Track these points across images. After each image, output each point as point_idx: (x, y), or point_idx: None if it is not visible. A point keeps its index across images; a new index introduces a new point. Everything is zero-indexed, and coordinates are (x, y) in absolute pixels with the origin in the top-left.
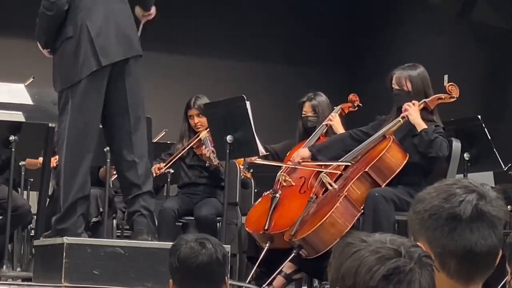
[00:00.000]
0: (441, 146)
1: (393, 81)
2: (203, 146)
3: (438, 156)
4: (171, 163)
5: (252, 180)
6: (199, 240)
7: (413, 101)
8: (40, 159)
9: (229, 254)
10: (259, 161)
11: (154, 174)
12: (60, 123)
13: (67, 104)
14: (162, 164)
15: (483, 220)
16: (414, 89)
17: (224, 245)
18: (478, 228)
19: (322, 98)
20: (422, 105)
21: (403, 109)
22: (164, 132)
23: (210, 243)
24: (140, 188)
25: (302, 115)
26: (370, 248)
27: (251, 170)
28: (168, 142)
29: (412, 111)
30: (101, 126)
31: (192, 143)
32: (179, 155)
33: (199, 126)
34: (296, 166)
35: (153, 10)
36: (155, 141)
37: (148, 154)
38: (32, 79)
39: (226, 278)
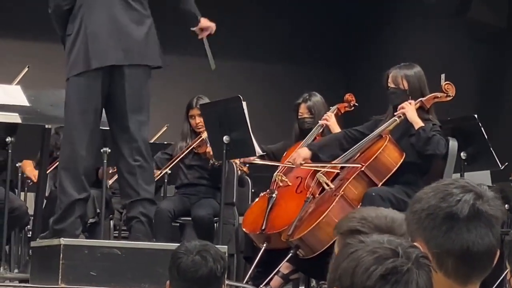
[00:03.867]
0: (439, 143)
1: (389, 80)
2: (207, 145)
3: (436, 153)
4: (174, 163)
5: (248, 176)
6: (201, 253)
7: (410, 100)
8: (36, 173)
9: (227, 255)
10: (258, 161)
11: (156, 177)
12: None
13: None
14: (157, 172)
15: (480, 220)
16: (410, 88)
17: (221, 246)
18: (476, 228)
19: (317, 98)
20: (418, 104)
21: (399, 107)
22: (165, 127)
23: (211, 256)
24: (138, 194)
25: (299, 117)
26: (367, 248)
27: (247, 165)
28: (165, 142)
29: (409, 109)
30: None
31: (194, 144)
32: (183, 155)
33: (200, 126)
34: (292, 166)
35: (205, 22)
36: (153, 140)
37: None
38: (27, 69)
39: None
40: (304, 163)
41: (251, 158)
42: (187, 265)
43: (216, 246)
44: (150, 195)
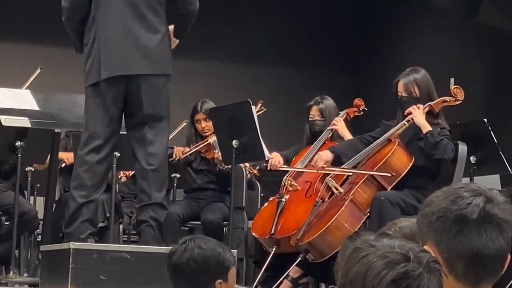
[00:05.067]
0: (446, 148)
1: (400, 89)
2: (216, 150)
3: (443, 158)
4: (187, 154)
5: (258, 180)
6: (186, 239)
7: (418, 105)
8: (69, 155)
9: (236, 259)
10: (284, 167)
11: (178, 158)
12: None
13: None
14: (187, 149)
15: (491, 223)
16: (421, 93)
17: (231, 250)
18: (486, 231)
19: (329, 101)
20: (427, 108)
21: (406, 112)
22: (185, 123)
23: (193, 243)
24: (150, 198)
25: (309, 119)
26: (378, 252)
27: (257, 167)
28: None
29: (417, 114)
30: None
31: (200, 147)
32: (186, 154)
33: (206, 131)
34: (320, 171)
35: (176, 41)
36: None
37: None
38: (39, 70)
39: (219, 280)
40: (326, 166)
41: (278, 165)
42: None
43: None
44: (161, 200)
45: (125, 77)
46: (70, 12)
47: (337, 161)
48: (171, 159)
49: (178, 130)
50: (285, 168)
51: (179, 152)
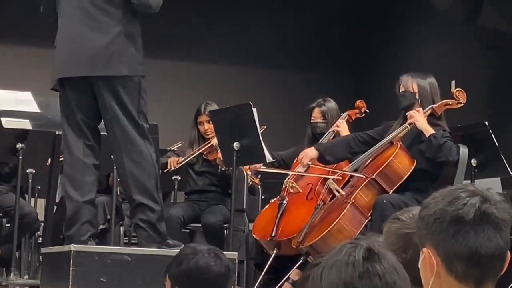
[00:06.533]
0: (451, 150)
1: (401, 85)
2: (217, 152)
3: (448, 160)
4: (182, 164)
5: (260, 186)
6: (212, 251)
7: (418, 108)
8: (174, 160)
9: (237, 261)
10: (263, 168)
11: (173, 168)
12: None
13: None
14: (181, 158)
15: (488, 222)
16: (420, 91)
17: (232, 253)
18: (483, 230)
19: (331, 104)
20: (429, 111)
21: (408, 116)
22: (180, 144)
23: (224, 255)
24: (133, 200)
25: (311, 121)
26: (328, 263)
27: (259, 176)
28: (175, 149)
29: (418, 117)
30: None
31: (203, 149)
32: (190, 158)
33: (209, 133)
34: (301, 174)
35: None
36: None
37: (156, 161)
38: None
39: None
40: (311, 164)
41: (257, 165)
42: (200, 264)
43: (226, 252)
44: (144, 200)
45: (80, 79)
46: (45, 16)
47: (322, 158)
48: (166, 169)
49: (173, 147)
50: (264, 169)
51: (174, 162)
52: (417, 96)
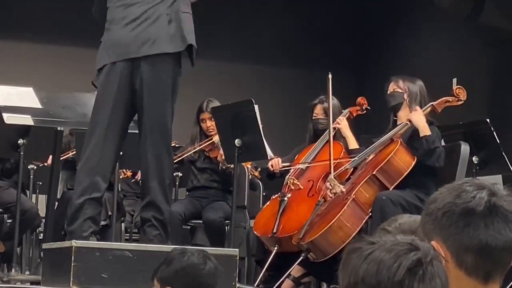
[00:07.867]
0: (439, 157)
1: (389, 86)
2: (220, 149)
3: (435, 166)
4: (181, 158)
5: (260, 179)
6: (202, 252)
7: (416, 107)
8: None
9: (238, 258)
10: (286, 165)
11: None
12: None
13: None
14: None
15: (497, 215)
16: (409, 92)
17: (232, 249)
18: (493, 223)
19: (333, 101)
20: (429, 108)
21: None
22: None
23: (212, 256)
24: (151, 196)
25: (313, 117)
26: (384, 247)
27: (259, 169)
28: (177, 145)
29: (417, 115)
30: None
31: (203, 146)
32: (190, 153)
33: (211, 130)
34: (320, 163)
35: None
36: None
37: None
38: None
39: None
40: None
41: (275, 164)
42: (191, 262)
43: (227, 249)
44: (160, 198)
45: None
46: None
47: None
48: None
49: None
50: (286, 166)
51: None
52: (405, 96)
